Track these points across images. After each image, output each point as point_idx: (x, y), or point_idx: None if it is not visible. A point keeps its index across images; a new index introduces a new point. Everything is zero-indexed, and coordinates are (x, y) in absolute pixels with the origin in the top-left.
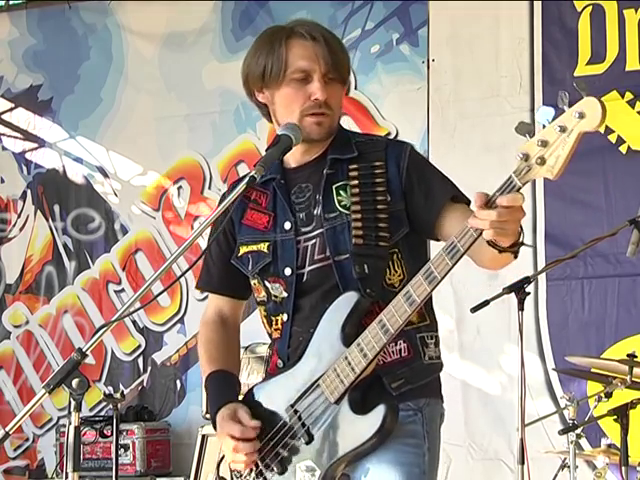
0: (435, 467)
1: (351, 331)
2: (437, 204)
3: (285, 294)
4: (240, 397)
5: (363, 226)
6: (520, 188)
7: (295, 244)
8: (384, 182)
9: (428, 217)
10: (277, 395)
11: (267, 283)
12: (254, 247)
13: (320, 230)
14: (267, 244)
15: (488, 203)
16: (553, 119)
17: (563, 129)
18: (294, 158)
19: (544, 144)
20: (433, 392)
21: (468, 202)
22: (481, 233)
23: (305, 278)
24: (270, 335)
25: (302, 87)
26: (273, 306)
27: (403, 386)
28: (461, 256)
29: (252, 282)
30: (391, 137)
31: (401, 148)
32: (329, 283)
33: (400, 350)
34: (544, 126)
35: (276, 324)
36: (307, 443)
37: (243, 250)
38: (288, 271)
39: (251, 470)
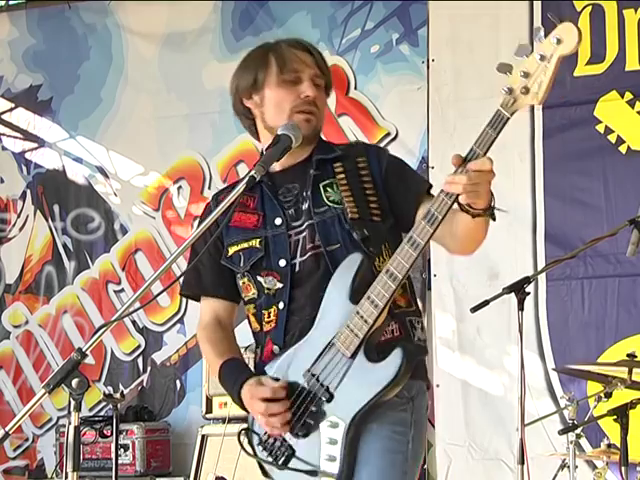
0: (419, 455)
1: (359, 289)
2: (415, 197)
3: (280, 285)
4: None
5: (356, 205)
6: (508, 119)
7: (287, 238)
8: (369, 175)
9: (408, 210)
10: (292, 366)
11: (259, 278)
12: (245, 244)
13: (310, 222)
14: (259, 240)
15: (463, 164)
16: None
17: (543, 57)
18: (279, 162)
19: (526, 75)
20: (421, 374)
21: None
22: (456, 199)
23: (297, 269)
24: (259, 331)
25: (293, 87)
26: (265, 299)
27: None
28: (440, 222)
29: (241, 281)
30: (391, 137)
31: (380, 150)
32: (321, 271)
33: (392, 330)
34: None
35: (268, 317)
36: (328, 401)
37: (233, 250)
38: (282, 262)
39: (275, 439)
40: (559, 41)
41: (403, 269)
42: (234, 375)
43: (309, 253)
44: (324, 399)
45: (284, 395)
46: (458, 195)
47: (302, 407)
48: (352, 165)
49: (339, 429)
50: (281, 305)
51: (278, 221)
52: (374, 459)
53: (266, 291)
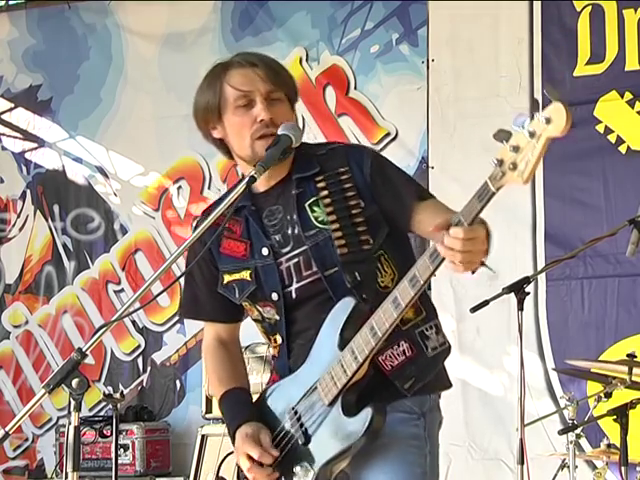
0: (436, 471)
1: (349, 336)
2: (407, 206)
3: (277, 317)
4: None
5: (344, 235)
6: (494, 194)
7: (276, 267)
8: (353, 187)
9: (402, 218)
10: (282, 398)
11: (258, 307)
12: (237, 276)
13: (303, 248)
14: (249, 272)
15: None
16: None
17: (532, 134)
18: (260, 183)
19: (516, 149)
20: (436, 386)
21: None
22: (440, 263)
23: (294, 295)
24: (269, 346)
25: (247, 112)
26: (269, 326)
27: (415, 384)
28: (422, 287)
29: (243, 304)
30: (391, 137)
31: (361, 153)
32: (322, 296)
33: (404, 351)
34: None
35: (274, 342)
36: (304, 444)
37: (227, 279)
38: (275, 296)
39: None
40: (548, 121)
41: (383, 327)
42: (232, 412)
43: (307, 279)
44: (300, 442)
45: (270, 462)
46: (443, 259)
47: (280, 444)
48: (334, 179)
49: (309, 475)
50: (279, 339)
51: (265, 251)
52: (390, 468)
53: (267, 320)
